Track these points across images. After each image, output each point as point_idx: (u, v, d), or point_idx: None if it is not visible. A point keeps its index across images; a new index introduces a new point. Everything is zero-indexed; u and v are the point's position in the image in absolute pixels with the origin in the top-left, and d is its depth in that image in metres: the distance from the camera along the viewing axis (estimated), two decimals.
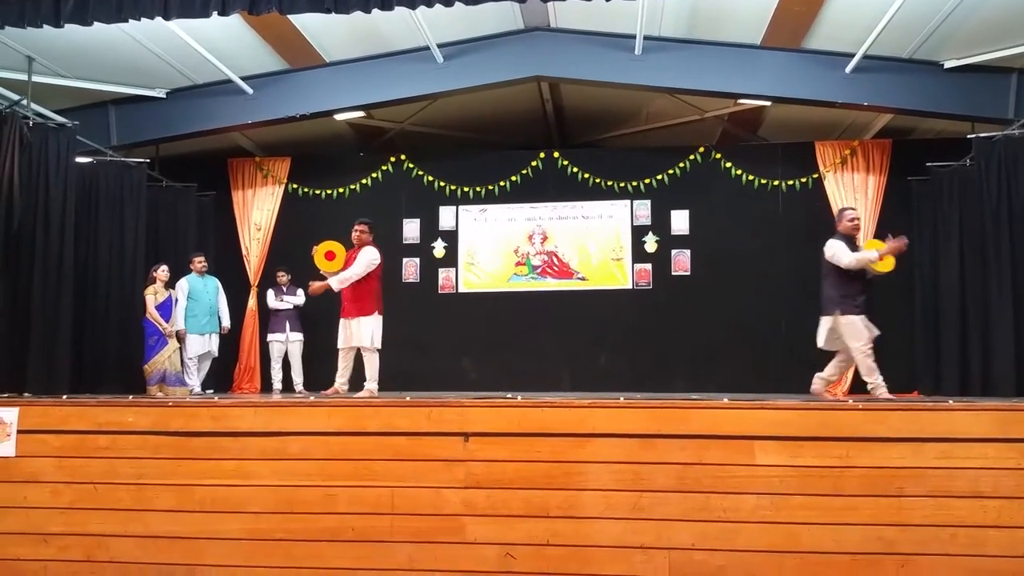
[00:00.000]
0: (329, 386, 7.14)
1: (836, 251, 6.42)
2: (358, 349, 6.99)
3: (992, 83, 7.89)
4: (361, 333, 6.87)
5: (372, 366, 6.95)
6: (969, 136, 8.03)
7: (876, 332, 6.36)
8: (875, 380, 6.36)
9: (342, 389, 6.99)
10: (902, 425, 4.44)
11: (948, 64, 7.91)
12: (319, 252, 7.18)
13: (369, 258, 6.91)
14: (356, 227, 7.07)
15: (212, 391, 8.68)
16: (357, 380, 7.06)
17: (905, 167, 9.11)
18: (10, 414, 5.14)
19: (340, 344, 7.04)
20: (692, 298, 9.57)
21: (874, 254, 6.38)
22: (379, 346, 6.96)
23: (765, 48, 8.19)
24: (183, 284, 8.51)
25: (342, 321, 7.02)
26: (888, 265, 6.56)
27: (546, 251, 10.01)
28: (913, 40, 7.63)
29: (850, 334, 6.34)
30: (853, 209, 6.88)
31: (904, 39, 7.61)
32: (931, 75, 8.03)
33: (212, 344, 8.66)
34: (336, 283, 6.84)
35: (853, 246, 6.50)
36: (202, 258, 8.75)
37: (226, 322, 8.86)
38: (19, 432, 5.10)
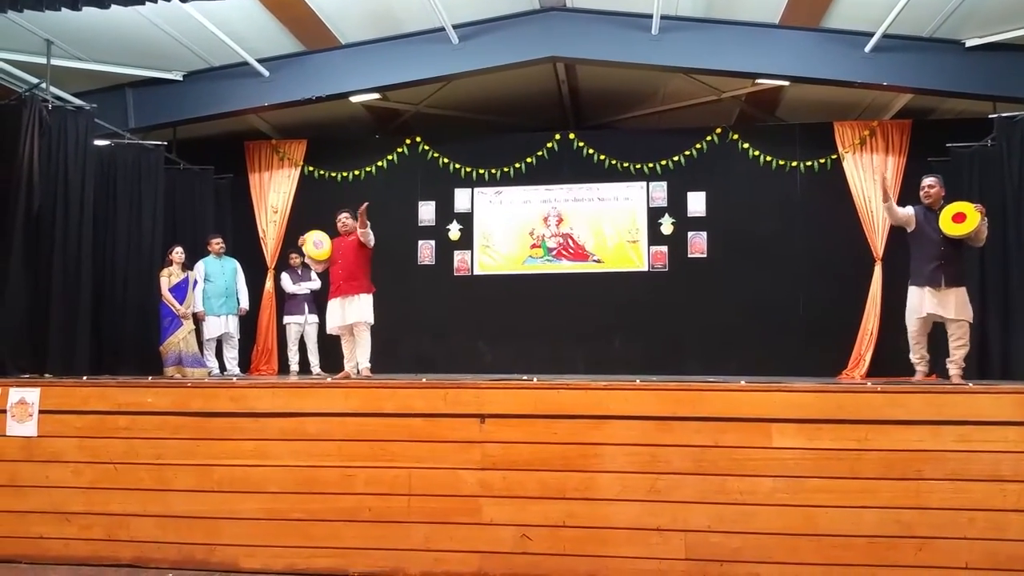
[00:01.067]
0: (341, 369, 7.15)
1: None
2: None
3: (1015, 62, 7.75)
4: (362, 309, 6.87)
5: (368, 345, 6.93)
6: (991, 116, 7.92)
7: (921, 314, 6.13)
8: (912, 358, 6.34)
9: (353, 372, 6.99)
10: (921, 408, 4.42)
11: (969, 43, 7.78)
12: (308, 241, 7.12)
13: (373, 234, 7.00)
14: (341, 216, 7.07)
15: (235, 373, 8.72)
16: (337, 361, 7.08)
17: (925, 148, 8.98)
18: (32, 395, 5.20)
19: (337, 324, 6.93)
20: (709, 280, 9.53)
21: (888, 201, 6.28)
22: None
23: (783, 27, 8.09)
24: (200, 266, 8.56)
25: (337, 301, 6.91)
26: (967, 227, 6.01)
27: (561, 233, 9.99)
28: (934, 18, 7.52)
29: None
30: (930, 176, 6.39)
31: (925, 17, 7.50)
32: (952, 54, 7.91)
33: (230, 325, 8.69)
34: (366, 230, 6.87)
35: (931, 215, 6.20)
36: (219, 239, 8.77)
37: (244, 303, 8.89)
38: (41, 412, 5.17)
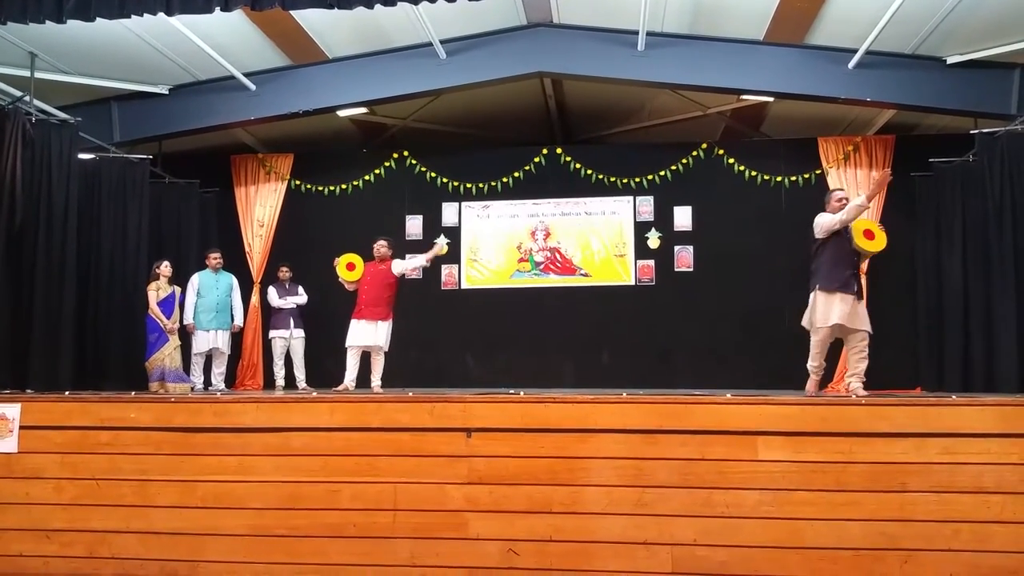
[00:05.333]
0: (334, 383, 7.25)
1: (821, 220, 6.17)
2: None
3: (995, 79, 7.85)
4: (380, 335, 7.42)
5: (381, 366, 7.51)
6: (972, 132, 8.01)
7: (833, 321, 5.94)
8: (811, 364, 6.28)
9: (352, 386, 7.28)
10: (905, 420, 4.43)
11: (951, 60, 7.88)
12: (342, 263, 7.57)
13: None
14: (379, 243, 7.80)
15: (220, 388, 8.66)
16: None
17: (908, 163, 9.07)
18: (12, 410, 5.15)
19: (357, 342, 7.38)
20: (695, 294, 9.55)
21: (861, 198, 5.95)
22: None
23: (768, 44, 8.17)
24: (194, 279, 8.55)
25: (363, 323, 7.38)
26: (878, 244, 6.16)
27: (549, 247, 10.00)
28: (916, 36, 7.61)
29: (811, 311, 6.18)
30: (841, 190, 6.58)
31: (907, 35, 7.59)
32: (934, 71, 8.00)
33: (220, 341, 8.61)
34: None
35: (843, 229, 6.16)
36: (217, 254, 8.73)
37: (238, 320, 8.84)
38: (21, 428, 5.11)
